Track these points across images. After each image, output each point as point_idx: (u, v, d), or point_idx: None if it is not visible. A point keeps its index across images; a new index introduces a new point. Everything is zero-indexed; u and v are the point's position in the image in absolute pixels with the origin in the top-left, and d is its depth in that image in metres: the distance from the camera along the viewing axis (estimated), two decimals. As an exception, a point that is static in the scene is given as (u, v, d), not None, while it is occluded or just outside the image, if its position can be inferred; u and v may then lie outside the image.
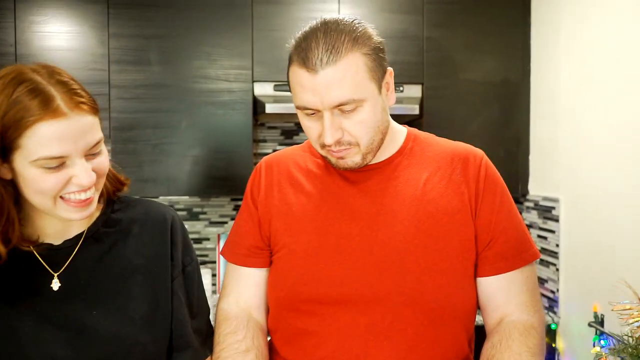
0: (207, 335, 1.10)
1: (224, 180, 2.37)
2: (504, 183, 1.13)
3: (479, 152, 1.14)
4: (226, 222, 2.75)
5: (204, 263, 2.72)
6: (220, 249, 1.22)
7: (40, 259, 0.95)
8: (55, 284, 0.94)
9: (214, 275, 2.67)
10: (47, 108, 0.81)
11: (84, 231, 0.99)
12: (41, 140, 0.81)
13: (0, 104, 0.81)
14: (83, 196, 0.88)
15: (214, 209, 2.75)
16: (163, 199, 2.67)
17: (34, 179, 0.84)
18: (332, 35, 0.97)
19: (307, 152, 1.20)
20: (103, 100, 2.29)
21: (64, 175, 0.85)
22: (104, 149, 0.93)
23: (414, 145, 1.14)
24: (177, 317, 1.03)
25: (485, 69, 2.46)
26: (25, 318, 0.91)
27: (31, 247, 0.94)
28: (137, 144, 2.31)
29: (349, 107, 0.97)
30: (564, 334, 2.24)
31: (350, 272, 1.04)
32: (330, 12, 2.36)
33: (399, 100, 2.35)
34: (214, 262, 2.72)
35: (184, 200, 2.72)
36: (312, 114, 1.01)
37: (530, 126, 2.50)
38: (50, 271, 0.95)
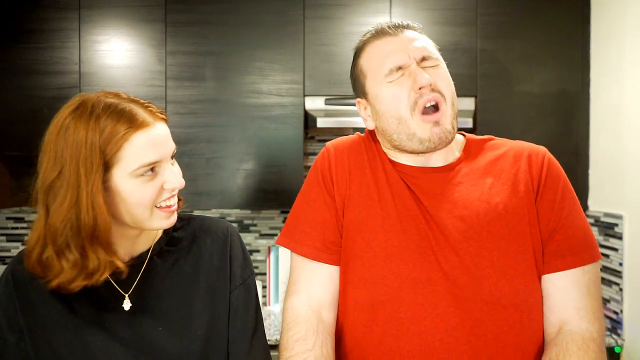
0: (266, 350, 1.09)
1: (275, 193, 2.39)
2: (567, 180, 1.10)
3: (542, 148, 1.12)
4: (276, 235, 2.77)
5: (254, 275, 2.75)
6: (277, 239, 1.17)
7: (110, 278, 0.98)
8: (127, 304, 0.98)
9: (264, 287, 2.69)
10: (134, 121, 0.90)
11: (148, 249, 1.03)
12: (137, 150, 0.89)
13: (94, 128, 0.88)
14: (172, 201, 0.97)
15: (264, 221, 2.78)
16: (215, 212, 2.73)
17: (133, 190, 0.91)
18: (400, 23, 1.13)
19: (372, 142, 1.17)
20: (160, 115, 2.36)
21: (158, 183, 0.93)
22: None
23: (474, 152, 1.13)
24: (236, 331, 1.04)
25: (542, 80, 2.38)
26: (96, 334, 0.95)
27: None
28: (192, 157, 2.37)
29: (430, 62, 1.07)
30: (628, 357, 2.12)
31: (431, 276, 1.02)
32: (381, 26, 2.36)
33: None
34: (264, 274, 2.74)
35: (235, 212, 2.76)
36: (397, 77, 1.07)
37: (589, 139, 2.40)
38: (121, 291, 0.99)
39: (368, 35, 1.14)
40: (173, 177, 0.95)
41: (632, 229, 2.11)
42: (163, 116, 0.97)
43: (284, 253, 2.56)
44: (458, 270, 1.01)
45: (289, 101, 2.38)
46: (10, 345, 0.94)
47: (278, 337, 2.16)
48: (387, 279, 1.03)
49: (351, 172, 1.12)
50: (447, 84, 1.07)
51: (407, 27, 1.12)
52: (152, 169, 0.92)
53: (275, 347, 2.11)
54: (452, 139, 1.08)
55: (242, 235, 2.76)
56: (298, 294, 1.11)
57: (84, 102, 0.91)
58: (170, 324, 0.98)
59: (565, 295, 1.02)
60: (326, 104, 2.37)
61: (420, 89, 1.03)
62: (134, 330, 0.97)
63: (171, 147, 0.96)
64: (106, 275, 0.92)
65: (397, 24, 1.12)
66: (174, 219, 0.98)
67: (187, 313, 1.00)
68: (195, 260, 1.05)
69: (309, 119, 2.37)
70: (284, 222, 2.77)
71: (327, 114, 2.33)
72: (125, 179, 0.90)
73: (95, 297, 0.97)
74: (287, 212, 2.76)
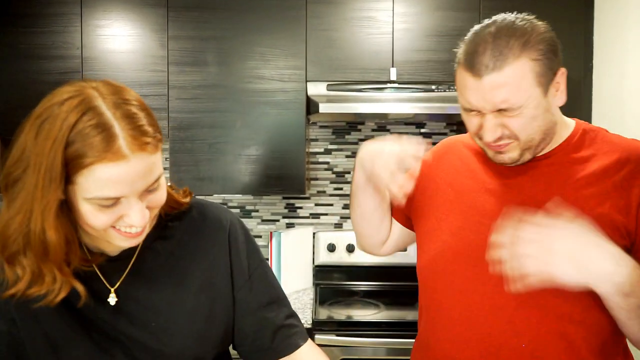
0: (297, 317, 1.08)
1: (277, 179, 2.40)
2: None
3: None
4: (278, 220, 2.79)
5: (256, 260, 2.77)
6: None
7: (98, 271, 0.93)
8: (112, 299, 0.93)
9: (266, 272, 2.71)
10: (108, 149, 0.76)
11: (139, 244, 0.95)
12: (97, 181, 0.78)
13: (63, 133, 0.76)
14: (134, 230, 0.85)
15: (266, 207, 2.79)
16: (217, 197, 2.74)
17: (85, 214, 0.81)
18: (501, 40, 0.99)
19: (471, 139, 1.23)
20: (162, 101, 2.37)
21: (116, 214, 0.82)
22: (163, 183, 0.88)
23: (578, 142, 1.09)
24: (260, 321, 1.01)
25: (545, 66, 2.37)
26: (87, 327, 0.91)
27: (93, 266, 0.92)
28: (194, 143, 2.38)
29: (510, 112, 0.99)
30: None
31: (481, 255, 1.05)
32: (384, 11, 2.35)
33: (452, 100, 2.31)
34: (267, 259, 2.76)
35: (237, 198, 2.77)
36: (472, 113, 1.05)
37: (592, 126, 2.40)
38: (107, 285, 0.93)
39: (463, 53, 1.06)
40: (136, 215, 0.82)
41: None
42: (154, 144, 0.82)
43: (286, 239, 2.58)
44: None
45: (291, 87, 2.38)
46: (1, 334, 0.91)
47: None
48: (447, 253, 1.13)
49: (445, 159, 1.24)
50: (524, 128, 1.01)
51: (500, 68, 0.97)
52: (113, 200, 0.80)
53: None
54: (519, 162, 1.07)
55: (244, 220, 2.75)
56: None
57: (75, 96, 0.79)
58: (161, 320, 0.94)
59: None
60: (328, 90, 2.37)
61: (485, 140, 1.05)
62: (123, 326, 0.92)
63: (145, 182, 0.82)
64: (63, 295, 0.84)
65: (488, 64, 0.98)
66: (137, 241, 0.88)
67: (180, 310, 0.95)
68: (190, 254, 0.98)
69: (311, 105, 2.37)
70: (285, 207, 2.80)
71: (330, 100, 2.33)
72: (80, 201, 0.80)
73: (85, 290, 0.90)
74: (289, 197, 2.78)
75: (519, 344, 1.02)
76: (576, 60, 2.39)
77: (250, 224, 2.79)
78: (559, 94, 1.05)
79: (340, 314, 2.29)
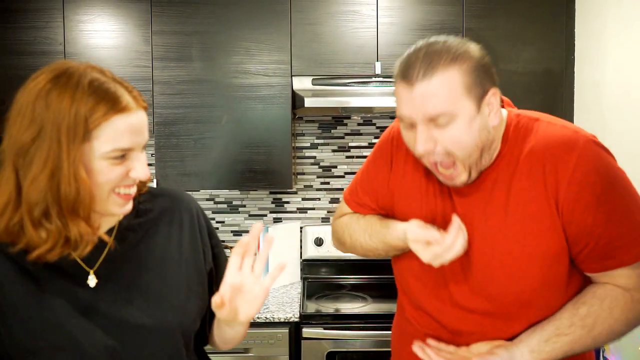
0: None
1: (264, 173, 2.40)
2: (611, 173, 1.05)
3: (577, 144, 1.05)
4: (265, 215, 2.79)
5: (244, 255, 2.77)
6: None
7: (74, 255, 0.94)
8: (92, 281, 0.96)
9: (253, 267, 2.71)
10: (119, 103, 0.88)
11: (115, 225, 1.01)
12: (116, 132, 0.88)
13: (79, 100, 0.85)
14: (131, 191, 0.94)
15: (254, 202, 2.79)
16: (204, 192, 2.74)
17: (100, 171, 0.89)
18: (433, 52, 1.01)
19: None
20: (147, 96, 2.35)
21: (125, 168, 0.91)
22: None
23: (511, 142, 1.09)
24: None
25: (527, 59, 2.40)
26: (68, 312, 0.93)
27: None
28: (179, 138, 2.37)
29: (442, 120, 0.99)
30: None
31: (445, 271, 1.12)
32: (368, 5, 2.36)
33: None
34: (254, 254, 2.76)
35: (224, 193, 2.77)
36: (411, 125, 1.04)
37: (574, 118, 2.43)
38: (86, 268, 0.96)
39: (398, 66, 1.06)
40: (141, 167, 0.93)
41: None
42: (145, 104, 0.95)
43: (274, 233, 2.59)
44: (473, 268, 1.11)
45: (276, 81, 2.38)
46: None
47: (267, 315, 2.19)
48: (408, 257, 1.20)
49: (400, 156, 1.22)
50: (458, 144, 1.01)
51: (430, 76, 0.99)
52: (122, 155, 0.90)
53: (265, 324, 2.15)
54: (471, 181, 1.08)
55: (232, 215, 2.78)
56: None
57: (68, 70, 0.89)
58: (143, 297, 0.98)
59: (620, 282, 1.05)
60: (313, 84, 2.37)
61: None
62: (106, 306, 0.95)
63: (146, 136, 0.94)
64: (89, 248, 0.91)
65: (420, 72, 0.99)
66: (128, 207, 0.96)
67: (160, 286, 1.00)
68: (165, 232, 1.05)
69: (296, 99, 2.37)
70: (273, 202, 2.80)
71: (315, 94, 2.33)
72: (95, 159, 0.88)
73: (61, 274, 0.94)
74: (276, 192, 2.78)
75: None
76: (558, 52, 2.41)
77: (237, 219, 2.79)
78: (493, 115, 1.04)
79: (328, 307, 2.30)
